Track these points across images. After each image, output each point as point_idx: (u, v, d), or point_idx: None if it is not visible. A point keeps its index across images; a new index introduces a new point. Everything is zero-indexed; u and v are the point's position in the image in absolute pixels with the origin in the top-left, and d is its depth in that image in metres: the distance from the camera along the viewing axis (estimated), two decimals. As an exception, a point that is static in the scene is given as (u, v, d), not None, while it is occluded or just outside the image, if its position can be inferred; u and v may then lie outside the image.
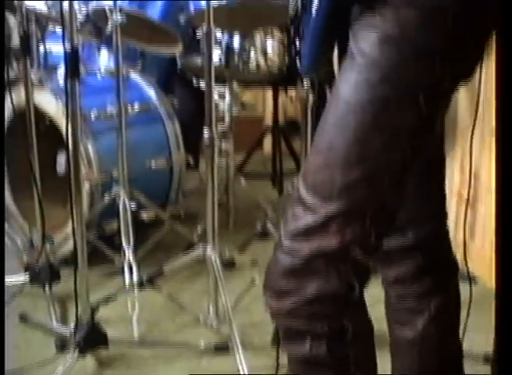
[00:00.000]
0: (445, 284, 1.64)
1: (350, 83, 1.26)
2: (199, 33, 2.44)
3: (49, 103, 3.16)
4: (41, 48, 3.60)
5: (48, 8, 3.31)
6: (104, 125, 3.16)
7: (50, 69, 3.46)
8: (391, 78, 1.23)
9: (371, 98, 1.24)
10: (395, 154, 1.26)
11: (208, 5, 2.31)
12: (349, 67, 1.27)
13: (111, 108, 3.11)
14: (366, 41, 1.25)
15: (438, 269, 1.62)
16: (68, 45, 2.21)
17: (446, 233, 1.65)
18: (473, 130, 1.62)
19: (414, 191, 1.47)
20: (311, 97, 2.87)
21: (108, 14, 2.82)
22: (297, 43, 1.56)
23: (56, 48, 3.67)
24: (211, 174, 2.54)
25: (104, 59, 3.68)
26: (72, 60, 2.22)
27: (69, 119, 2.30)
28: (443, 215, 1.64)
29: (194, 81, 3.43)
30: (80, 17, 3.23)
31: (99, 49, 3.66)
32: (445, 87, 1.27)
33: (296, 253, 1.27)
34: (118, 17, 2.75)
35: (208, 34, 2.35)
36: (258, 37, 3.17)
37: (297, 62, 1.55)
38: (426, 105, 1.24)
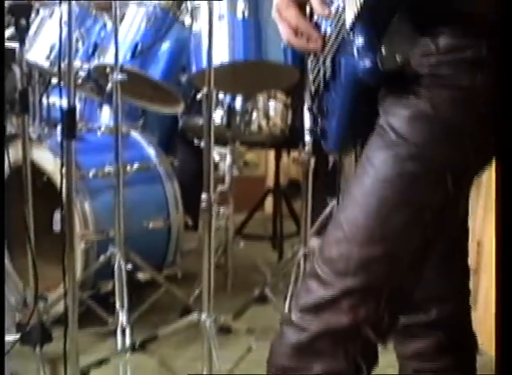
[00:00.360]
0: (465, 362, 1.59)
1: (378, 158, 1.24)
2: (199, 95, 2.41)
3: (47, 160, 3.11)
4: (44, 100, 3.61)
5: (50, 64, 3.31)
6: (102, 183, 3.11)
7: (50, 124, 3.45)
8: (421, 155, 1.21)
9: (399, 173, 1.21)
10: (418, 232, 1.23)
11: (209, 67, 2.26)
12: (378, 142, 1.26)
13: (109, 167, 3.07)
14: (397, 117, 1.24)
15: (459, 347, 1.57)
16: (65, 104, 2.17)
17: (469, 309, 1.60)
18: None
19: (438, 269, 1.43)
20: (312, 160, 2.84)
21: (109, 72, 2.78)
22: (319, 121, 1.53)
23: (59, 102, 3.65)
24: (208, 240, 2.49)
25: (106, 117, 3.66)
26: (69, 119, 2.18)
27: (65, 178, 2.26)
28: (467, 292, 1.60)
29: (195, 141, 3.40)
30: (81, 74, 3.23)
31: (101, 106, 3.65)
32: (472, 167, 1.26)
33: (304, 329, 1.22)
34: (118, 75, 2.70)
35: (208, 97, 2.30)
36: (261, 99, 3.16)
37: (322, 141, 1.53)
38: (453, 184, 1.22)
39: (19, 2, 2.82)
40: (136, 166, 3.25)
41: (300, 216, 3.72)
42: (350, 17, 1.29)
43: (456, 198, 1.24)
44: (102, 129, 3.32)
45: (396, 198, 1.21)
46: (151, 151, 3.37)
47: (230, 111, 3.14)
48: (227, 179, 3.39)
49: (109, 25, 3.16)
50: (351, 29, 1.29)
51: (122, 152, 2.93)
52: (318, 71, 1.51)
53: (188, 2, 2.92)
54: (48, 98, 3.83)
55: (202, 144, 3.25)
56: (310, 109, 1.59)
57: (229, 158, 3.36)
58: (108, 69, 2.80)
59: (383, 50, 1.22)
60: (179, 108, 3.15)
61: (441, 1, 1.21)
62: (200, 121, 3.11)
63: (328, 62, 1.43)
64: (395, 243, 1.21)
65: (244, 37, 2.77)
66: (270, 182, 4.90)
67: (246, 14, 2.74)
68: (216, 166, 3.41)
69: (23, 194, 2.86)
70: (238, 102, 3.17)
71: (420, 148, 1.21)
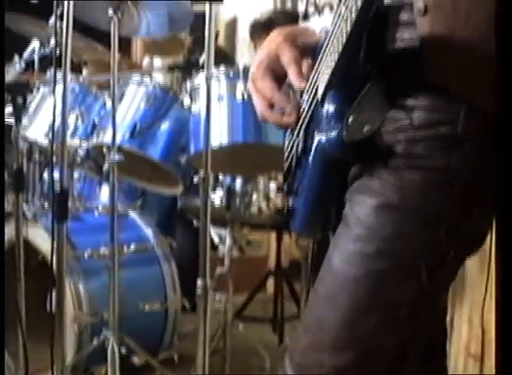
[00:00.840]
0: None
1: (343, 253, 1.15)
2: (196, 178, 2.37)
3: (42, 239, 3.06)
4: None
5: (50, 142, 3.29)
6: (97, 264, 3.05)
7: (49, 200, 3.42)
8: (390, 250, 1.12)
9: (366, 271, 1.12)
10: (392, 333, 1.13)
11: (206, 151, 2.22)
12: (343, 235, 1.17)
13: (105, 248, 3.01)
14: (362, 206, 1.16)
15: None
16: (57, 186, 2.13)
17: None
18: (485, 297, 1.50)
19: (414, 369, 1.33)
20: (311, 244, 2.76)
21: (106, 152, 2.74)
22: (290, 201, 1.45)
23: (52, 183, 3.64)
24: (203, 327, 2.41)
25: (105, 195, 3.62)
26: (61, 202, 2.12)
27: (57, 259, 2.20)
28: None
29: (195, 222, 3.34)
30: (80, 152, 3.20)
31: (100, 185, 3.61)
32: (450, 257, 1.15)
33: None
34: (115, 156, 2.66)
35: (205, 180, 2.25)
36: (262, 181, 3.11)
37: (290, 221, 1.43)
38: (428, 278, 1.12)
39: (18, 80, 2.82)
40: (133, 246, 3.19)
41: (301, 297, 3.65)
42: (321, 88, 1.24)
43: (432, 293, 1.16)
44: (100, 208, 3.26)
45: (365, 297, 1.12)
46: (148, 232, 3.31)
47: (230, 192, 3.08)
48: (226, 261, 3.32)
49: (109, 104, 3.14)
50: (322, 100, 1.24)
51: (118, 233, 2.86)
52: (292, 147, 1.45)
53: (188, 83, 2.90)
54: (52, 174, 3.82)
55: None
56: (281, 189, 1.51)
57: (228, 240, 3.29)
58: (105, 150, 2.74)
59: (350, 119, 1.14)
60: (179, 189, 3.10)
61: (415, 72, 1.13)
62: (199, 202, 3.06)
63: (300, 137, 1.37)
64: (368, 347, 1.12)
65: (244, 119, 2.73)
66: (272, 262, 4.82)
67: (245, 96, 2.71)
68: (216, 247, 3.34)
69: (16, 273, 2.82)
70: (238, 184, 3.12)
71: (389, 243, 1.12)
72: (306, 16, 3.07)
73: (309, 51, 1.42)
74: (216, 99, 2.69)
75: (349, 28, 1.10)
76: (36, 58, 3.63)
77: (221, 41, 5.46)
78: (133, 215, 3.35)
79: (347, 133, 1.14)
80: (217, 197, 3.11)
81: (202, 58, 2.87)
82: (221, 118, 2.73)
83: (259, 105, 1.38)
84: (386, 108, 1.16)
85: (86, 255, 3.04)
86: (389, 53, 1.17)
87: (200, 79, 2.83)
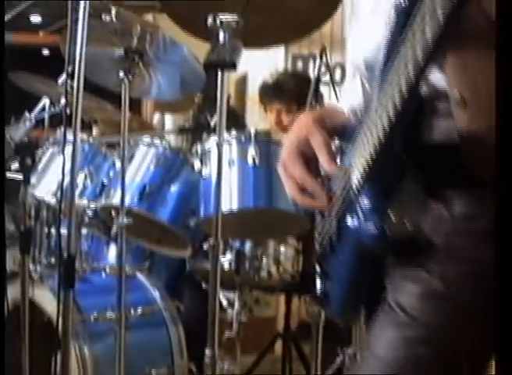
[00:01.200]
0: None
1: (386, 339, 1.14)
2: (206, 245, 2.34)
3: (48, 301, 3.02)
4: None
5: (58, 201, 3.27)
6: (103, 327, 2.99)
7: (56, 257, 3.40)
8: (433, 338, 1.11)
9: (407, 356, 1.11)
10: None
11: (217, 218, 2.18)
12: (385, 321, 1.16)
13: (111, 312, 2.95)
14: (407, 294, 1.15)
15: None
16: (65, 253, 2.09)
17: None
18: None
19: None
20: (322, 313, 2.73)
21: (114, 215, 2.71)
22: (324, 284, 1.44)
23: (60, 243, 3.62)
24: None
25: (113, 255, 3.59)
26: (68, 268, 2.09)
27: (62, 323, 2.17)
28: None
29: (203, 284, 3.30)
30: (88, 212, 3.18)
31: (108, 244, 3.58)
32: (488, 351, 1.13)
33: None
34: (124, 220, 2.63)
35: (215, 248, 2.21)
36: (271, 245, 3.08)
37: (324, 305, 1.44)
38: (469, 371, 1.12)
39: (26, 140, 2.82)
40: (140, 309, 3.13)
41: (310, 360, 3.59)
42: (356, 177, 1.22)
43: None
44: (107, 270, 3.22)
45: None
46: (156, 295, 3.26)
47: (239, 256, 3.05)
48: (235, 325, 3.27)
49: (118, 164, 3.12)
50: (358, 189, 1.22)
51: (125, 295, 2.83)
52: (324, 232, 1.44)
53: (198, 145, 2.87)
54: (59, 231, 3.80)
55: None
56: (315, 272, 1.50)
57: (237, 304, 3.24)
58: (113, 213, 2.71)
59: (391, 215, 1.13)
60: (187, 252, 3.06)
61: (454, 164, 1.11)
62: (208, 265, 3.03)
63: (334, 223, 1.36)
64: None
65: (254, 184, 2.71)
66: (280, 323, 4.76)
67: (257, 161, 2.69)
68: (224, 311, 3.29)
69: (20, 334, 2.79)
70: (247, 247, 3.09)
71: (432, 331, 1.11)
72: (318, 80, 3.08)
73: (338, 132, 1.42)
74: (227, 164, 2.67)
75: (385, 124, 1.08)
76: (46, 116, 3.63)
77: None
78: (141, 276, 3.30)
79: (391, 230, 1.13)
80: (226, 260, 3.07)
81: (213, 121, 2.86)
82: (232, 183, 2.71)
83: (290, 190, 1.38)
84: (427, 202, 1.15)
85: (92, 318, 2.98)
86: (427, 143, 1.16)
87: (211, 143, 2.81)
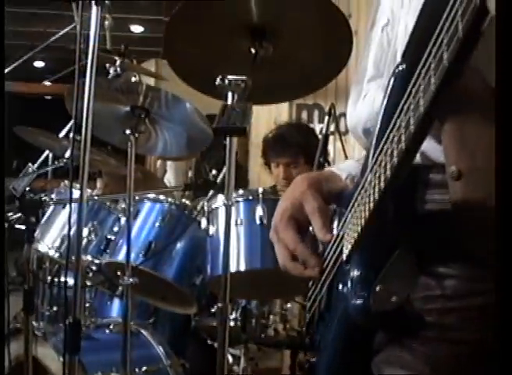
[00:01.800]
0: None
1: None
2: (214, 308, 2.31)
3: (51, 358, 2.98)
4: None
5: (60, 256, 3.26)
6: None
7: (60, 305, 3.47)
8: None
9: None
10: None
11: (225, 282, 2.14)
12: None
13: (116, 371, 2.91)
14: None
15: None
16: (70, 319, 2.05)
17: None
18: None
19: None
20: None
21: (120, 273, 2.68)
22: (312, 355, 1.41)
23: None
24: None
25: (116, 310, 3.56)
26: (73, 333, 2.05)
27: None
28: None
29: (208, 341, 3.26)
30: (93, 267, 3.15)
31: (111, 299, 3.55)
32: None
33: None
34: (129, 279, 2.59)
35: (223, 310, 2.18)
36: (278, 302, 3.05)
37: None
38: None
39: (30, 198, 2.80)
40: (144, 368, 3.08)
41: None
42: (347, 245, 1.19)
43: None
44: (111, 327, 3.18)
45: None
46: (160, 352, 3.21)
47: (246, 314, 3.01)
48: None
49: (123, 219, 3.10)
50: (347, 259, 1.19)
51: (130, 353, 2.78)
52: (315, 299, 1.40)
53: (205, 203, 2.85)
54: (59, 277, 3.79)
55: (215, 344, 3.17)
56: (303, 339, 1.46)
57: (243, 361, 3.20)
58: (119, 272, 2.67)
59: (377, 288, 1.08)
60: (193, 310, 3.03)
61: (448, 239, 1.06)
62: (214, 322, 3.01)
63: (323, 291, 1.33)
64: None
65: (262, 244, 2.68)
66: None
67: (264, 220, 2.66)
68: (230, 367, 3.25)
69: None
70: (254, 305, 3.05)
71: None
72: (327, 137, 3.06)
73: (334, 198, 1.39)
74: (234, 223, 2.64)
75: (376, 196, 1.06)
76: (49, 168, 3.63)
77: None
78: (145, 333, 3.26)
79: (374, 303, 1.08)
80: (232, 318, 3.04)
81: (219, 178, 2.84)
82: (239, 243, 2.69)
83: (281, 256, 1.34)
84: (416, 277, 1.10)
85: (97, 379, 2.95)
86: (419, 215, 1.11)
87: (218, 201, 2.78)
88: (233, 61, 2.46)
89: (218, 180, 2.90)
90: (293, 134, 3.77)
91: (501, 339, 0.79)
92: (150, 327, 3.33)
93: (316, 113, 5.21)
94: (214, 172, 3.95)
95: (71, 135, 3.34)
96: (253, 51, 2.41)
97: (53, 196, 3.44)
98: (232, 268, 2.52)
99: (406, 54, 1.08)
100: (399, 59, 1.25)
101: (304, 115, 5.29)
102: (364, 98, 1.33)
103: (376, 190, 1.05)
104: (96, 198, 3.07)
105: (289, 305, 3.08)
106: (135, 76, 4.48)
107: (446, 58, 0.81)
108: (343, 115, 5.10)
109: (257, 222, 2.68)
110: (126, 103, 2.70)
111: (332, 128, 3.35)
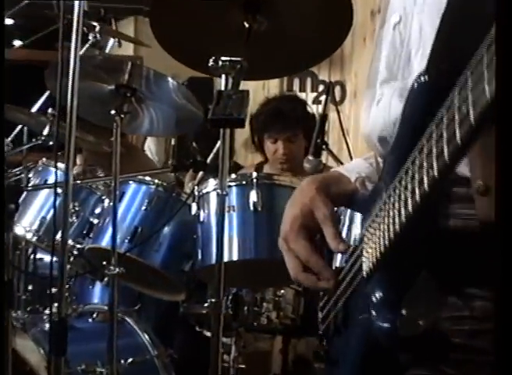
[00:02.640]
0: None
1: None
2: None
3: (30, 351, 2.98)
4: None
5: (38, 238, 3.24)
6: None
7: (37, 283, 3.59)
8: None
9: None
10: None
11: (219, 277, 2.14)
12: None
13: (100, 363, 2.91)
14: None
15: None
16: (55, 318, 2.05)
17: None
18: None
19: None
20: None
21: (105, 261, 2.67)
22: (328, 367, 1.42)
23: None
24: None
25: (98, 294, 3.56)
26: (59, 336, 2.05)
27: None
28: None
29: (197, 327, 3.27)
30: (74, 252, 3.14)
31: (93, 283, 3.54)
32: None
33: None
34: (115, 269, 2.58)
35: (217, 305, 2.18)
36: (271, 289, 3.05)
37: None
38: None
39: (10, 184, 2.77)
40: (130, 359, 3.08)
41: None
42: (366, 264, 1.19)
43: None
44: (95, 315, 3.18)
45: None
46: (146, 341, 3.22)
47: (237, 301, 3.01)
48: (232, 372, 3.24)
49: (106, 202, 3.08)
50: (368, 276, 1.19)
51: (115, 343, 2.78)
52: (329, 311, 1.40)
53: (195, 188, 2.84)
54: (35, 255, 3.79)
55: (204, 331, 3.18)
56: (316, 353, 1.47)
57: (234, 350, 3.21)
58: (104, 262, 2.66)
59: (404, 311, 1.08)
60: (181, 296, 3.03)
61: (476, 257, 1.04)
62: (203, 309, 3.01)
63: (340, 305, 1.33)
64: None
65: (256, 233, 2.68)
66: (276, 357, 4.73)
67: (258, 207, 2.65)
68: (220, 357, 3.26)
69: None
70: (245, 292, 3.06)
71: None
72: (325, 118, 3.05)
73: (343, 201, 1.39)
74: (226, 210, 2.63)
75: (403, 220, 1.04)
76: (26, 147, 3.60)
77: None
78: (130, 321, 3.25)
79: (401, 328, 1.08)
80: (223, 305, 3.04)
81: (210, 158, 2.82)
82: (232, 230, 2.68)
83: (292, 267, 1.33)
84: (445, 298, 1.10)
85: (80, 370, 2.95)
86: (444, 232, 1.11)
87: (209, 186, 2.77)
88: (226, 36, 2.44)
89: (208, 160, 2.87)
90: (289, 107, 3.74)
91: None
92: (135, 315, 3.33)
93: (309, 81, 5.20)
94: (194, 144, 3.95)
95: (49, 111, 3.36)
96: (246, 25, 2.37)
97: (30, 175, 3.42)
98: (225, 257, 2.52)
99: (429, 65, 1.06)
100: (413, 61, 1.24)
101: (296, 82, 5.27)
102: (378, 103, 1.32)
103: (403, 213, 1.03)
104: (78, 182, 3.03)
105: (282, 291, 3.08)
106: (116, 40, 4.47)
107: (489, 91, 0.75)
108: (338, 83, 5.12)
109: (251, 208, 2.67)
110: (109, 82, 2.67)
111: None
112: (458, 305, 1.10)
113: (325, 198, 1.32)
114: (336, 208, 1.38)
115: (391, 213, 1.08)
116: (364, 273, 1.19)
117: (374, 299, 1.15)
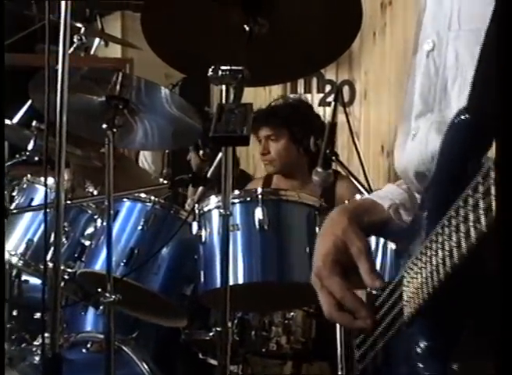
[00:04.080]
0: None
1: None
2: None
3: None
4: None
5: (25, 263, 3.28)
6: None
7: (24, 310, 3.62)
8: None
9: None
10: None
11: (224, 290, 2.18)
12: None
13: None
14: None
15: None
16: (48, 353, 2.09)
17: None
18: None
19: None
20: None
21: (100, 290, 2.69)
22: None
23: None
24: None
25: (91, 322, 3.59)
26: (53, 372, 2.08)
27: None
28: None
29: (200, 355, 3.30)
30: (65, 276, 3.16)
31: (85, 311, 3.57)
32: None
33: None
34: (111, 297, 2.62)
35: (223, 334, 2.22)
36: (280, 313, 3.09)
37: None
38: None
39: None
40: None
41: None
42: (408, 310, 1.22)
43: None
44: (88, 345, 3.20)
45: None
46: (145, 370, 3.24)
47: (244, 326, 3.05)
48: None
49: (99, 221, 3.11)
50: (410, 322, 1.22)
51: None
52: (366, 351, 1.43)
53: (195, 205, 2.86)
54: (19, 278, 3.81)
55: (208, 359, 3.21)
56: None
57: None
58: (99, 289, 2.69)
59: (454, 365, 1.11)
60: (183, 322, 3.07)
61: None
62: (207, 336, 3.04)
63: (379, 346, 1.36)
64: None
65: (263, 253, 2.71)
66: None
67: (265, 225, 2.69)
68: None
69: None
70: (252, 315, 3.09)
71: None
72: (334, 125, 3.07)
73: (376, 230, 1.44)
74: (230, 228, 2.66)
75: (449, 269, 1.07)
76: (9, 163, 3.62)
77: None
78: (128, 350, 3.28)
79: None
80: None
81: (209, 173, 2.85)
82: (237, 251, 2.71)
83: (326, 305, 1.36)
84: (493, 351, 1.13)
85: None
86: (493, 275, 1.13)
87: (211, 203, 2.80)
88: (224, 40, 2.46)
89: (209, 174, 2.89)
90: (279, 105, 3.80)
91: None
92: (132, 343, 3.36)
93: (314, 81, 5.23)
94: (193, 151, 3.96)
95: (33, 124, 3.39)
96: (246, 28, 2.40)
97: (14, 193, 3.45)
98: (230, 280, 2.55)
99: (470, 103, 1.09)
100: (450, 91, 1.27)
101: (301, 83, 5.30)
102: (413, 137, 1.35)
103: (448, 264, 1.06)
104: (69, 202, 3.06)
105: (292, 313, 3.11)
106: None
107: None
108: (347, 83, 5.15)
109: (257, 227, 2.70)
110: (99, 93, 2.71)
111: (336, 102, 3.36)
112: None
113: (359, 229, 1.36)
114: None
115: (439, 255, 1.10)
116: (406, 318, 1.23)
117: (419, 349, 1.18)
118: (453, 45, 1.25)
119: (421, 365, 1.18)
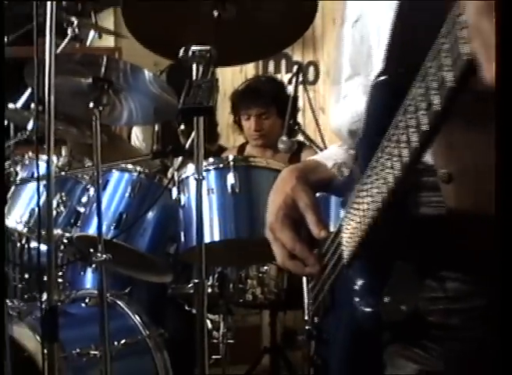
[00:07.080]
0: None
1: None
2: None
3: (27, 338, 3.00)
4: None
5: (29, 229, 3.27)
6: (86, 363, 2.99)
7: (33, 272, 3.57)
8: None
9: None
10: None
11: (201, 259, 2.19)
12: None
13: (94, 346, 2.95)
14: (405, 372, 1.16)
15: None
16: (46, 305, 2.09)
17: None
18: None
19: None
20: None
21: (92, 248, 2.70)
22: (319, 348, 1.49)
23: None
24: None
25: (90, 280, 3.60)
26: (50, 321, 2.08)
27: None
28: None
29: (186, 306, 3.31)
30: (64, 240, 3.17)
31: (84, 269, 3.58)
32: None
33: None
34: (103, 256, 2.62)
35: (200, 285, 2.22)
36: (254, 266, 3.10)
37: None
38: None
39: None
40: (123, 341, 3.12)
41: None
42: (346, 253, 1.23)
43: None
44: (87, 300, 3.21)
45: None
46: (138, 322, 3.26)
47: (222, 279, 3.06)
48: (221, 348, 3.28)
49: (92, 190, 3.11)
50: (349, 264, 1.23)
51: (108, 327, 2.81)
52: (317, 293, 1.45)
53: (175, 172, 2.87)
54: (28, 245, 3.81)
55: (193, 310, 3.21)
56: (308, 331, 1.51)
57: (222, 327, 3.25)
58: (92, 249, 2.69)
59: (386, 298, 1.13)
60: (168, 278, 3.07)
61: (445, 243, 1.09)
62: (190, 289, 3.05)
63: (326, 289, 1.38)
64: None
65: (236, 213, 2.73)
66: (266, 331, 4.77)
67: (236, 189, 2.69)
68: (210, 333, 3.30)
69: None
70: (230, 270, 3.10)
71: None
72: (296, 99, 3.07)
73: (322, 187, 1.43)
74: (206, 192, 2.67)
75: (380, 205, 1.07)
76: (13, 142, 3.61)
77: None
78: (122, 304, 3.29)
79: (386, 314, 1.14)
80: (208, 284, 3.08)
81: (188, 143, 2.85)
82: (212, 212, 2.73)
83: (279, 255, 1.37)
84: (421, 282, 1.14)
85: (74, 354, 2.98)
86: (416, 220, 1.15)
87: (189, 171, 2.80)
88: (196, 25, 2.46)
89: (187, 145, 2.90)
90: (263, 84, 3.82)
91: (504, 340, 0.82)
92: (126, 298, 3.36)
93: (283, 62, 5.22)
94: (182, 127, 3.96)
95: (31, 106, 3.38)
96: (215, 13, 2.40)
97: (18, 169, 3.45)
98: (207, 238, 2.57)
99: (385, 66, 1.10)
100: (373, 56, 1.27)
101: (271, 65, 5.29)
102: (344, 98, 1.36)
103: (379, 199, 1.07)
104: (63, 173, 3.06)
105: (265, 267, 3.12)
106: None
107: (450, 80, 0.79)
108: (312, 63, 5.14)
109: (229, 190, 2.71)
110: (88, 76, 2.70)
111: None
112: (433, 287, 1.14)
113: (306, 186, 1.36)
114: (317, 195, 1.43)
115: (367, 199, 1.12)
116: (345, 260, 1.24)
117: (356, 287, 1.19)
118: (374, 15, 1.26)
119: (357, 299, 1.19)
